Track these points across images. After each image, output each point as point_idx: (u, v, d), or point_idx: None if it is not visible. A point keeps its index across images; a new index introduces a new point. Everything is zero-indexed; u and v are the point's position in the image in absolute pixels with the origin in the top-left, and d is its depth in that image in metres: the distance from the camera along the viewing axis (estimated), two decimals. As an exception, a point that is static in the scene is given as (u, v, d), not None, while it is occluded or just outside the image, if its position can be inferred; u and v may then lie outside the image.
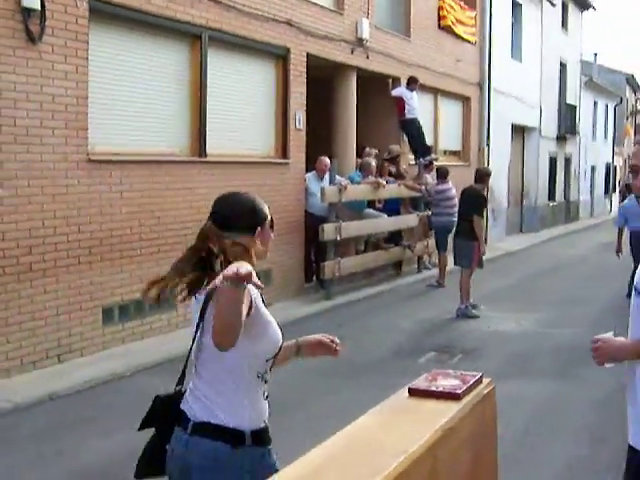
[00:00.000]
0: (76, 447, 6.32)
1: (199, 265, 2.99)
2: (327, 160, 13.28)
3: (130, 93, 9.61)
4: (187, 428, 3.02)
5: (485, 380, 4.12)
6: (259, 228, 3.12)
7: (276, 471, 2.87)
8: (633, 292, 3.34)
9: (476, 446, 3.87)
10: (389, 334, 10.72)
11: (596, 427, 6.97)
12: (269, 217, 3.19)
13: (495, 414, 4.27)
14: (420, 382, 3.98)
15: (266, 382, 3.12)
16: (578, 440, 6.69)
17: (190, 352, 3.10)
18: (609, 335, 3.38)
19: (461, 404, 3.72)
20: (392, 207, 15.33)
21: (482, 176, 12.40)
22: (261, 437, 3.05)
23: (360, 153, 15.13)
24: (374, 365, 9.04)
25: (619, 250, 13.53)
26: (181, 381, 3.17)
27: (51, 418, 7.05)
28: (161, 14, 9.82)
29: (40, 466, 5.96)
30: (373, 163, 14.52)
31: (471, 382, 3.94)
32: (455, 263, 12.50)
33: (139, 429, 3.15)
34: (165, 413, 3.11)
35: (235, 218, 3.08)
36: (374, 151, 15.15)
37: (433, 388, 3.87)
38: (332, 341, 3.54)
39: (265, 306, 3.06)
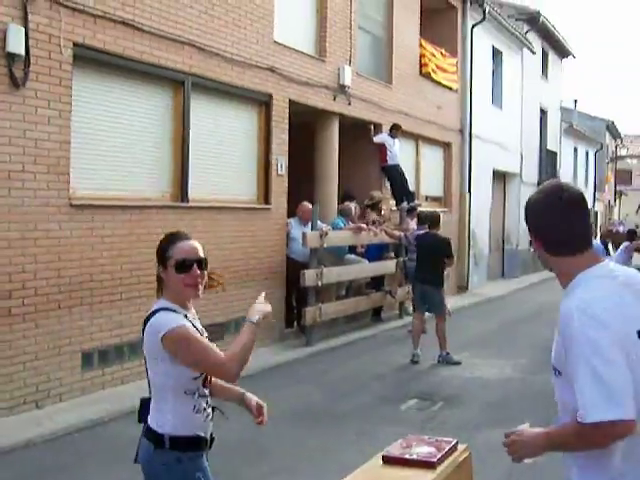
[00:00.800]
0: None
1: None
2: (309, 206, 13.30)
3: (113, 138, 9.64)
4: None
5: (460, 447, 4.06)
6: (166, 266, 3.61)
7: (198, 476, 3.51)
8: (552, 373, 2.86)
9: (452, 516, 3.78)
10: (371, 380, 10.67)
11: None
12: (174, 258, 3.58)
13: None
14: (394, 449, 3.93)
15: (201, 396, 3.59)
16: (559, 488, 6.63)
17: None
18: (524, 427, 2.95)
19: (436, 473, 3.67)
20: (374, 253, 15.35)
21: (437, 220, 12.47)
22: (178, 443, 3.50)
23: (343, 200, 15.14)
24: (356, 411, 8.97)
25: None
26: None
27: (26, 466, 6.94)
28: (144, 60, 9.89)
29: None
30: (353, 208, 14.57)
31: (446, 449, 3.89)
32: (414, 309, 12.60)
33: (138, 421, 3.70)
34: (147, 412, 3.64)
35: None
36: (353, 205, 15.08)
37: (407, 456, 3.82)
38: (261, 413, 3.86)
39: (196, 329, 3.56)
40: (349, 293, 15.21)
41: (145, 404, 3.68)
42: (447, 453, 3.88)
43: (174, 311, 3.54)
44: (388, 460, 3.82)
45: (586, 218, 2.88)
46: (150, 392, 3.66)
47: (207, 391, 3.64)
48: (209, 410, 3.65)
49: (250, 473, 6.75)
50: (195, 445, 3.56)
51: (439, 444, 3.96)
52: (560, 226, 2.83)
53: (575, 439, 2.68)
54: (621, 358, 2.58)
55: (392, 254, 15.83)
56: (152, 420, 3.56)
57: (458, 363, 11.80)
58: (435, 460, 3.73)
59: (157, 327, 3.47)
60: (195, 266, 3.59)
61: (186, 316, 3.58)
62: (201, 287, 3.64)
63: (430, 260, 11.99)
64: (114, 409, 8.57)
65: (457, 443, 4.05)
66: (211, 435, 3.63)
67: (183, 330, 3.44)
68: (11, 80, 8.07)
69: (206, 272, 3.65)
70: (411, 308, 16.34)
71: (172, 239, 3.66)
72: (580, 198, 2.86)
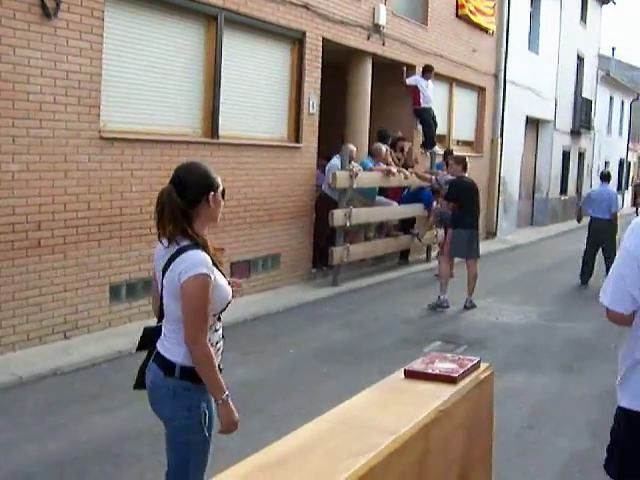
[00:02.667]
0: (77, 422, 6.32)
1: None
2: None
3: (144, 72, 9.57)
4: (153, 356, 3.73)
5: (483, 365, 4.08)
6: (212, 193, 3.60)
7: (202, 406, 3.57)
8: None
9: (470, 430, 3.85)
10: (395, 322, 10.69)
11: (599, 421, 6.93)
12: (221, 186, 3.69)
13: (492, 400, 4.23)
14: (417, 364, 3.97)
15: (216, 330, 3.68)
16: (581, 433, 6.67)
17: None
18: None
19: (456, 387, 3.70)
20: (408, 198, 15.30)
21: (466, 165, 12.24)
22: (188, 373, 3.56)
23: (378, 140, 14.87)
24: (379, 352, 9.01)
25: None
26: (161, 318, 3.75)
27: (54, 393, 7.06)
28: (178, -7, 9.78)
29: (40, 440, 5.95)
30: (384, 149, 14.40)
31: (468, 366, 3.92)
32: (454, 255, 12.20)
33: (136, 351, 3.93)
34: (151, 340, 3.78)
35: (191, 183, 3.58)
36: (385, 146, 14.83)
37: (429, 370, 3.85)
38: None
39: (217, 268, 3.60)
40: (377, 235, 15.16)
41: (149, 333, 3.82)
42: (469, 370, 3.90)
43: (208, 255, 3.55)
44: (410, 374, 3.84)
45: None
46: (159, 321, 3.76)
47: (219, 325, 3.72)
48: (221, 343, 3.74)
49: (265, 413, 6.81)
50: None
51: (461, 361, 4.00)
52: None
53: None
54: None
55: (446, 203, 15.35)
56: (164, 349, 3.64)
57: (475, 306, 11.78)
58: (456, 375, 3.75)
59: (190, 264, 3.47)
60: None
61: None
62: None
63: (473, 204, 11.94)
64: (140, 342, 8.65)
65: (480, 361, 4.07)
66: (219, 366, 3.64)
67: (207, 282, 3.47)
68: (43, 10, 7.98)
69: None
70: (437, 252, 16.38)
71: (210, 167, 3.72)
72: None
